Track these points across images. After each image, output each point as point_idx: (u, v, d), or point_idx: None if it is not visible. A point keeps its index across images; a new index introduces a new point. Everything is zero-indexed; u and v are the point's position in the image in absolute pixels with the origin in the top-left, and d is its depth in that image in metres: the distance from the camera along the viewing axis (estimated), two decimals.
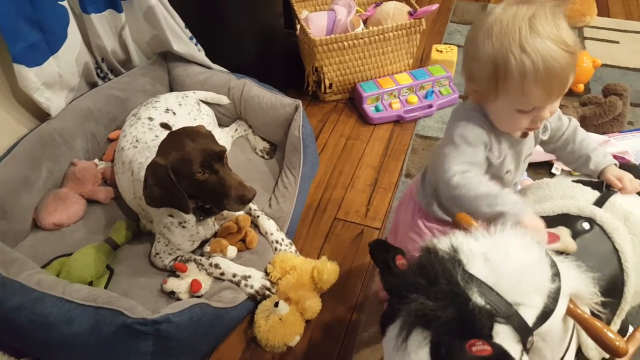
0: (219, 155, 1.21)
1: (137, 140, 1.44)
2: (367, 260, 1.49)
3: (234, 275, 1.31)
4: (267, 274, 1.36)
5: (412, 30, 2.00)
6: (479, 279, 0.62)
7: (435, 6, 2.04)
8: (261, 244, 1.43)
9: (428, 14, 1.99)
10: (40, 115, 1.58)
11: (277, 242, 1.43)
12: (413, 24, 1.98)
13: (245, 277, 1.31)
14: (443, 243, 0.68)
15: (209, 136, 1.25)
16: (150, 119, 1.51)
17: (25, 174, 1.43)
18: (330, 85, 2.07)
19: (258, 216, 1.47)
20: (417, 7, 2.02)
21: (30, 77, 1.44)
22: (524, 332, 0.62)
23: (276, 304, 1.24)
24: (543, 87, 0.79)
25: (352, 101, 2.13)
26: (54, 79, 1.53)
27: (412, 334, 0.59)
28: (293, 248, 1.45)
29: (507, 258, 0.65)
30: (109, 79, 1.78)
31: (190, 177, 1.18)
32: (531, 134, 0.95)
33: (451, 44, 2.29)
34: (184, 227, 1.32)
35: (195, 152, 1.18)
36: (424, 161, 1.83)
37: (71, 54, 1.58)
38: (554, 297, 0.65)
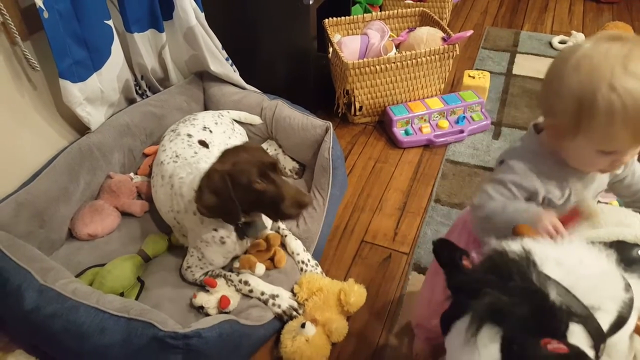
0: (273, 165, 1.26)
1: (177, 156, 1.48)
2: (395, 285, 1.48)
3: (262, 294, 1.32)
4: (293, 294, 1.36)
5: (445, 56, 2.01)
6: (555, 279, 0.61)
7: (469, 32, 2.05)
8: (288, 264, 1.44)
9: (462, 40, 2.00)
10: (81, 128, 1.63)
11: (303, 262, 1.44)
12: (446, 49, 1.99)
13: (273, 296, 1.32)
14: (513, 245, 0.66)
15: (261, 149, 1.32)
16: (189, 135, 1.55)
17: (64, 185, 1.48)
18: (361, 107, 2.08)
19: (286, 235, 1.48)
20: (451, 32, 2.04)
21: (74, 92, 1.49)
22: (598, 338, 0.60)
23: (303, 325, 1.24)
24: (631, 130, 0.74)
25: (382, 124, 2.15)
26: (95, 95, 1.58)
27: (483, 329, 0.58)
28: (319, 269, 1.45)
29: (582, 263, 0.64)
30: (147, 96, 1.84)
31: (249, 187, 1.22)
32: None
33: (483, 70, 2.29)
34: (223, 242, 1.34)
35: (251, 162, 1.23)
36: (455, 186, 1.82)
37: (113, 71, 1.63)
38: (629, 306, 0.64)
